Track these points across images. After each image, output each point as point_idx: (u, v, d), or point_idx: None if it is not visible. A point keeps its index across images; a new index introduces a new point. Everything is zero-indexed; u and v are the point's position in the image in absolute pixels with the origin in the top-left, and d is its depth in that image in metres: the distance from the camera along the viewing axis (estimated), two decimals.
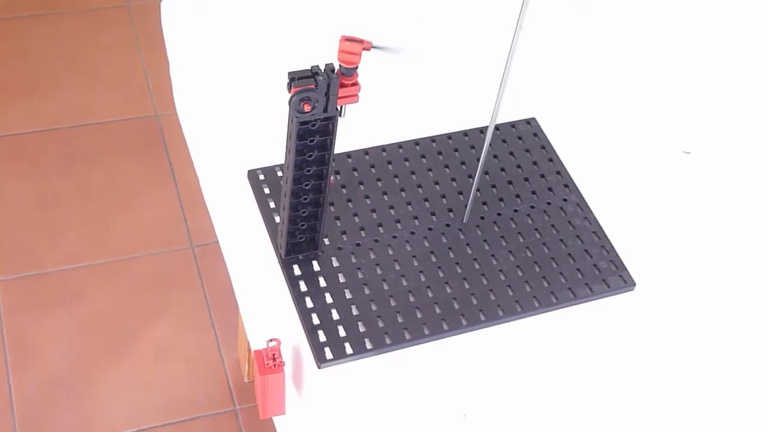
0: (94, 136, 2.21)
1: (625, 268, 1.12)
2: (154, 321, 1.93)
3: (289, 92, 0.92)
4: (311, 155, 0.99)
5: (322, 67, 0.93)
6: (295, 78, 0.92)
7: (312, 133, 0.97)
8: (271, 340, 0.99)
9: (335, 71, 0.93)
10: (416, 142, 1.21)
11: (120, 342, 1.89)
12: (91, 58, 2.37)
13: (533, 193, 1.18)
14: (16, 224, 2.04)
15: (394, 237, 1.12)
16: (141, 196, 2.11)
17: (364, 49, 0.92)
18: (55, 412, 1.79)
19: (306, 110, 0.93)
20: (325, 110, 0.95)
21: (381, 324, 1.04)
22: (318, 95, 0.93)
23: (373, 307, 1.06)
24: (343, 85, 0.94)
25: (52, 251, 2.00)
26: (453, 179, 1.18)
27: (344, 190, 1.16)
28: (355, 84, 0.94)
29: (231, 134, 1.20)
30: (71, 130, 2.21)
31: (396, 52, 0.92)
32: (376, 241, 1.12)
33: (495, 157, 1.21)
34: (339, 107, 0.95)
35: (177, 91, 1.35)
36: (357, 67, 0.93)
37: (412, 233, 1.13)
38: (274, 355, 0.99)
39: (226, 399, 1.85)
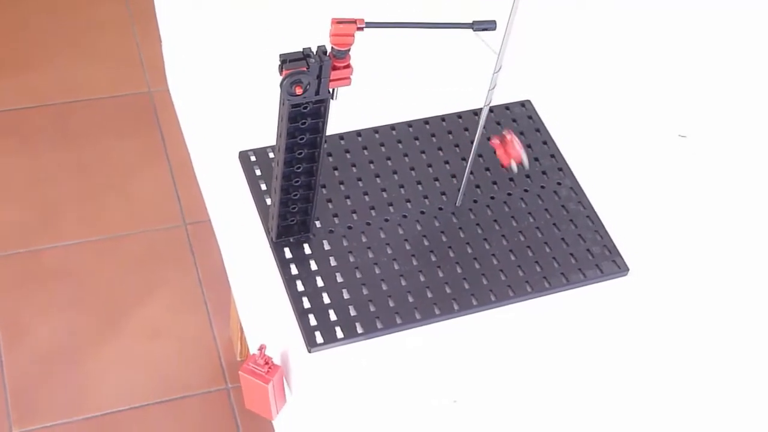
0: (87, 112, 2.19)
1: (619, 254, 1.11)
2: (146, 299, 1.92)
3: (281, 75, 0.91)
4: (303, 138, 0.98)
5: (315, 49, 0.92)
6: (286, 60, 0.91)
7: (304, 115, 0.96)
8: (259, 349, 0.98)
9: (327, 53, 0.92)
10: (409, 123, 1.20)
11: (112, 320, 1.89)
12: (84, 34, 2.35)
13: (527, 176, 1.17)
14: (8, 201, 2.03)
15: (386, 220, 1.11)
16: (134, 173, 2.10)
17: (357, 29, 0.90)
18: (47, 389, 1.79)
19: (297, 93, 0.92)
20: (317, 93, 0.94)
21: (372, 308, 1.04)
22: (310, 78, 0.92)
23: (365, 291, 1.05)
24: (335, 68, 0.92)
25: (45, 228, 1.99)
26: (446, 162, 1.17)
27: (336, 173, 1.15)
28: (348, 66, 0.93)
29: (223, 114, 1.19)
30: (64, 106, 2.20)
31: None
32: (368, 224, 1.11)
33: (489, 139, 1.20)
34: (331, 90, 0.94)
35: (169, 71, 1.34)
36: (350, 50, 0.91)
37: (405, 216, 1.12)
38: (265, 360, 0.98)
39: (217, 377, 1.85)
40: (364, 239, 1.09)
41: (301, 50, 0.92)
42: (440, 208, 1.13)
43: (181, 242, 2.01)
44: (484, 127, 1.07)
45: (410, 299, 1.05)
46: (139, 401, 1.80)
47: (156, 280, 1.95)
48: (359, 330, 1.02)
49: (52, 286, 1.91)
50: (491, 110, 1.22)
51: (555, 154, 1.20)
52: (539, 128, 1.22)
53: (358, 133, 1.19)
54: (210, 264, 1.98)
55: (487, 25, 0.93)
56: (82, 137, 2.15)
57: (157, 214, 2.04)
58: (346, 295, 1.05)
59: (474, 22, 0.93)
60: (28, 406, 1.77)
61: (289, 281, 1.05)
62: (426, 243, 1.10)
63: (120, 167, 2.10)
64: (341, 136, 1.18)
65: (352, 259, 1.07)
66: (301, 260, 1.07)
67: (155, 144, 2.15)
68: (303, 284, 1.05)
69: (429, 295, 1.05)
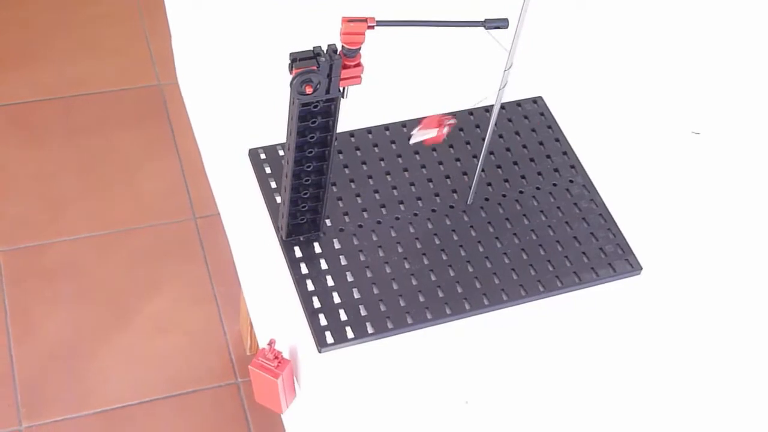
0: (96, 105, 2.19)
1: (632, 252, 1.10)
2: (155, 293, 1.92)
3: (291, 74, 0.90)
4: (313, 137, 0.97)
5: (325, 48, 0.91)
6: (296, 59, 0.90)
7: (314, 114, 0.95)
8: (268, 343, 0.98)
9: (338, 52, 0.91)
10: (420, 120, 1.19)
11: (121, 314, 1.88)
12: (93, 26, 2.34)
13: (539, 174, 1.16)
14: (17, 195, 2.02)
15: (397, 218, 1.10)
16: (143, 166, 2.09)
17: (368, 27, 0.89)
18: (57, 383, 1.79)
19: (308, 92, 0.91)
20: (328, 92, 0.93)
21: (383, 308, 1.03)
22: (320, 77, 0.91)
23: (375, 291, 1.04)
24: (345, 67, 0.91)
25: (53, 222, 1.99)
26: (457, 159, 1.16)
27: (347, 170, 1.14)
28: (359, 65, 0.92)
29: (233, 112, 1.19)
30: (72, 100, 2.19)
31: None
32: (379, 222, 1.10)
33: (500, 136, 1.19)
34: (341, 89, 0.93)
35: (179, 67, 1.33)
36: (360, 48, 0.91)
37: (416, 215, 1.11)
38: (275, 354, 0.97)
39: (227, 372, 1.84)
40: (374, 238, 1.08)
41: (312, 49, 0.91)
42: (451, 206, 1.12)
43: (190, 236, 2.00)
44: (495, 125, 1.06)
45: (421, 299, 1.04)
46: (149, 396, 1.80)
47: (165, 274, 1.95)
48: (370, 330, 1.01)
49: (61, 280, 1.91)
50: (503, 107, 1.21)
51: (567, 152, 1.18)
52: (551, 125, 1.21)
53: (369, 130, 1.18)
54: (219, 258, 1.97)
55: (499, 23, 0.92)
56: (91, 130, 2.14)
57: (166, 207, 2.04)
58: (356, 295, 1.04)
59: (486, 20, 0.92)
60: (38, 400, 1.77)
61: (299, 280, 1.04)
62: (437, 241, 1.09)
63: (129, 160, 2.10)
64: (351, 134, 1.17)
65: (362, 258, 1.07)
66: (311, 259, 1.06)
67: (165, 137, 2.14)
68: (313, 283, 1.04)
69: (440, 294, 1.05)
